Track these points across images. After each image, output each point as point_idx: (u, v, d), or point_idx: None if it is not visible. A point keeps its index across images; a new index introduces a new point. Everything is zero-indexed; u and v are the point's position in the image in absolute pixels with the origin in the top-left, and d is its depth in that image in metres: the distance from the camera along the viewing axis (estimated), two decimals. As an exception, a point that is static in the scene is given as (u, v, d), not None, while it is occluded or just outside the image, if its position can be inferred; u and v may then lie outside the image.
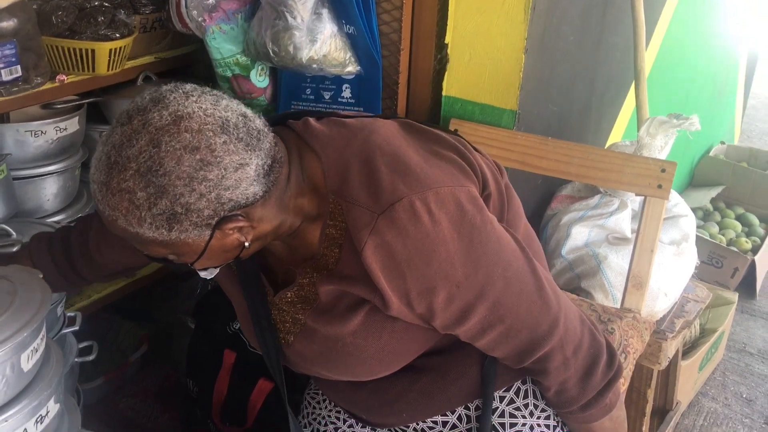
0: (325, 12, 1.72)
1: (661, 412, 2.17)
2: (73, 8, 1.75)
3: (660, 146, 1.85)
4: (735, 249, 3.14)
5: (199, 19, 1.80)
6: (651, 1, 2.37)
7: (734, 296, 2.63)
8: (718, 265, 3.10)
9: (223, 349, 1.91)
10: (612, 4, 2.06)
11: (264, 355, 1.20)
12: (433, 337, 1.09)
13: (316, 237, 1.04)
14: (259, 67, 1.89)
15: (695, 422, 2.41)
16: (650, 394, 1.91)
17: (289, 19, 1.68)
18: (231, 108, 0.94)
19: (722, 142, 3.96)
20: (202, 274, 1.05)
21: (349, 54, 1.77)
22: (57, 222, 1.80)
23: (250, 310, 1.16)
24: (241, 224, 0.94)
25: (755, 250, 3.17)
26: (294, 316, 1.13)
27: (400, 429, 1.22)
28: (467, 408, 1.17)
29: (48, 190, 1.83)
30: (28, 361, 1.12)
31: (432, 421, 1.18)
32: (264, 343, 1.17)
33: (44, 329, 1.19)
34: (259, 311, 1.15)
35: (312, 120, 1.07)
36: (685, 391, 2.30)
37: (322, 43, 1.72)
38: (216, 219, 0.92)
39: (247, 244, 0.97)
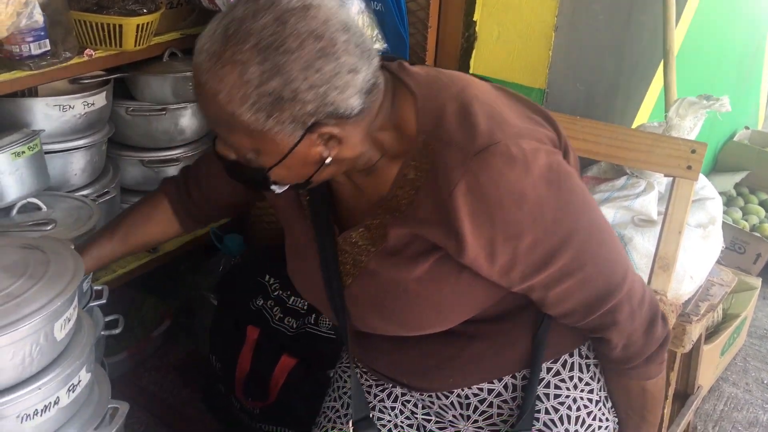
0: (353, -12, 1.71)
1: (683, 396, 2.17)
2: (101, -17, 1.75)
3: (690, 127, 1.83)
4: (758, 235, 3.11)
5: (227, -5, 1.80)
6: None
7: (758, 282, 2.61)
8: (741, 250, 3.07)
9: (246, 325, 1.93)
10: (642, -18, 2.03)
11: (327, 298, 1.17)
12: (493, 296, 1.07)
13: (391, 177, 1.02)
14: (285, 44, 1.89)
15: (716, 407, 2.40)
16: (673, 377, 1.90)
17: (317, -6, 1.67)
18: (351, 17, 0.94)
19: (746, 127, 3.90)
20: (273, 187, 1.02)
21: (376, 31, 1.76)
22: (85, 196, 1.81)
23: (319, 249, 1.14)
24: (333, 131, 0.92)
25: (777, 236, 3.14)
26: (356, 258, 1.11)
27: (443, 394, 1.22)
28: (514, 377, 1.18)
29: (75, 165, 1.84)
30: (61, 330, 1.13)
31: (478, 388, 1.19)
32: (329, 284, 1.14)
33: (76, 299, 1.20)
34: (327, 250, 1.13)
35: (406, 62, 1.08)
36: (706, 376, 2.29)
37: (349, 20, 1.71)
38: (313, 119, 0.90)
39: (328, 160, 0.96)
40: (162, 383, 2.30)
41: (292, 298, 1.91)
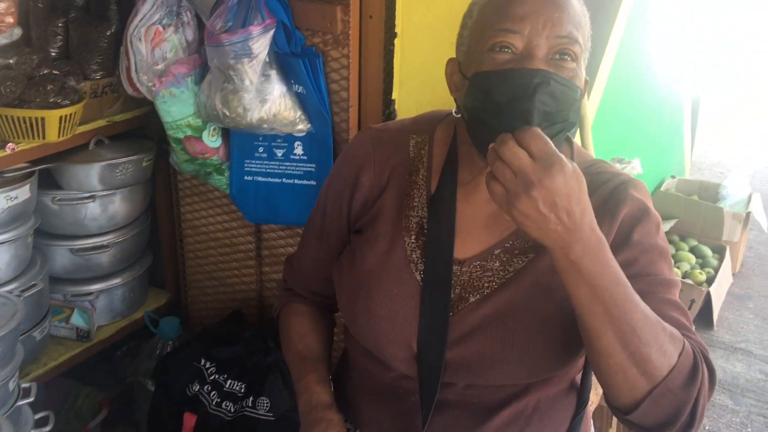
0: (273, 73, 1.76)
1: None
2: (22, 77, 1.76)
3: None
4: (690, 281, 3.21)
5: (149, 84, 1.82)
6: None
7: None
8: (675, 297, 3.15)
9: (183, 411, 1.90)
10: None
11: (416, 333, 1.09)
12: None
13: None
14: (212, 128, 1.91)
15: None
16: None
17: (237, 82, 1.71)
18: None
19: (673, 176, 4.07)
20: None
21: (299, 113, 1.80)
22: (10, 291, 1.78)
23: (427, 277, 1.09)
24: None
25: (710, 281, 3.25)
26: (475, 283, 1.09)
27: None
28: None
29: (0, 260, 1.81)
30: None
31: None
32: (429, 315, 1.08)
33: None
34: (438, 276, 1.09)
35: None
36: None
37: (271, 104, 1.75)
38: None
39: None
40: (101, 476, 2.22)
41: (229, 381, 1.89)
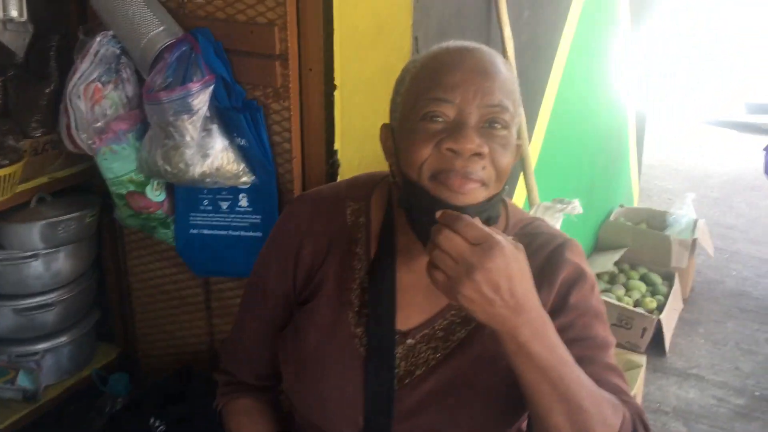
0: (214, 127, 1.76)
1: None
2: (-42, 139, 1.74)
3: (549, 229, 1.95)
4: (641, 310, 3.26)
5: (89, 142, 1.81)
6: (531, 93, 2.53)
7: (642, 359, 2.73)
8: (628, 326, 3.21)
9: (133, 472, 1.85)
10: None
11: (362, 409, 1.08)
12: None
13: None
14: (155, 183, 1.91)
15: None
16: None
17: (178, 138, 1.71)
18: None
19: (621, 205, 4.16)
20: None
21: (242, 165, 1.80)
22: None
23: (370, 351, 1.08)
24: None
25: (660, 308, 3.31)
26: (419, 357, 1.09)
27: None
28: None
29: (-63, 325, 1.77)
30: None
31: None
32: (373, 395, 1.07)
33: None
34: (383, 352, 1.08)
35: None
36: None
37: (214, 158, 1.76)
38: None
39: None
40: None
41: (179, 439, 1.86)
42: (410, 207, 1.03)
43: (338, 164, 1.81)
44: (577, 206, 1.83)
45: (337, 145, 1.80)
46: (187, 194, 1.93)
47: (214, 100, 1.75)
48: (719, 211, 4.95)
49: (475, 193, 0.98)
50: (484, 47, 1.06)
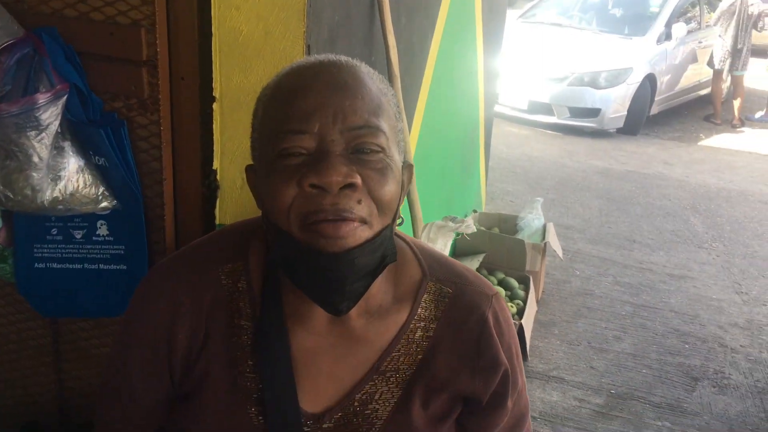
0: (67, 145, 1.49)
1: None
2: None
3: (442, 247, 1.87)
4: (504, 316, 3.30)
5: None
6: (406, 102, 2.44)
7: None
8: (492, 333, 3.23)
9: None
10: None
11: None
12: None
13: (393, 327, 0.99)
14: (-12, 210, 1.59)
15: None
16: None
17: (22, 158, 1.42)
18: None
19: (474, 211, 4.22)
20: None
21: (101, 188, 1.55)
22: None
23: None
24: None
25: (520, 313, 3.37)
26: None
27: None
28: None
29: None
30: None
31: None
32: None
33: None
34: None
35: None
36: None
37: (67, 181, 1.49)
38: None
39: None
40: None
41: None
42: (286, 263, 0.87)
43: (217, 186, 1.61)
44: (470, 225, 1.77)
45: (215, 165, 1.59)
46: (29, 222, 1.62)
47: (67, 113, 1.48)
48: (558, 213, 5.20)
49: (355, 235, 0.83)
50: (343, 59, 0.90)
